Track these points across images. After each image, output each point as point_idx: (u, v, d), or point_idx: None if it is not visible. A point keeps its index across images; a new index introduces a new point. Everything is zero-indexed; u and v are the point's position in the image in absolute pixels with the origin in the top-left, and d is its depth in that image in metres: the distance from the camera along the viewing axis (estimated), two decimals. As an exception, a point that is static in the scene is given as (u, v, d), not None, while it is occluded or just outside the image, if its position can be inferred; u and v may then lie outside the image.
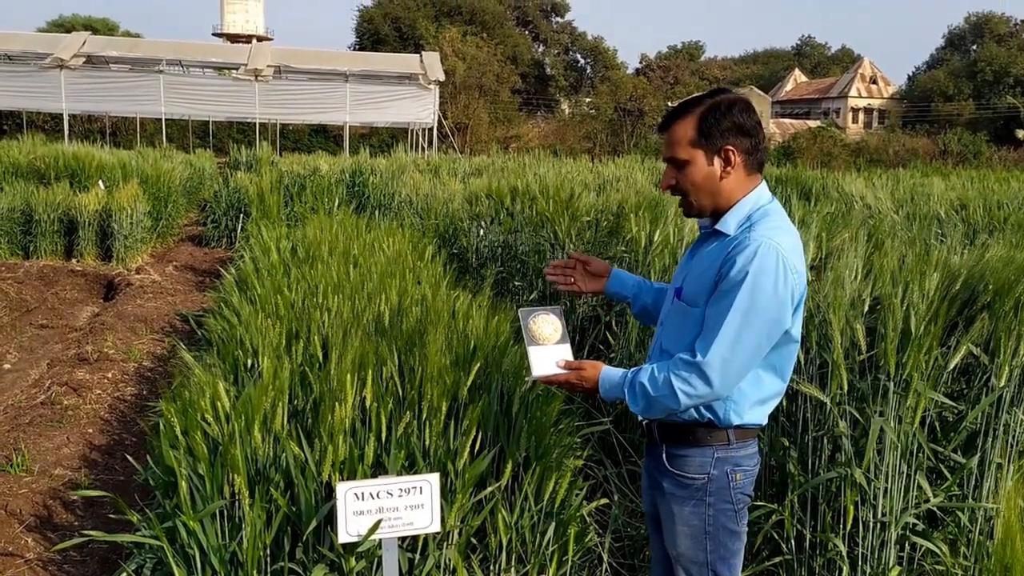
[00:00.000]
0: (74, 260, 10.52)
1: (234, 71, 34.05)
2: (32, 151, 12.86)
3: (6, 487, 4.20)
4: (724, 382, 2.17)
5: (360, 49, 51.30)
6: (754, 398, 2.30)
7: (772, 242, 2.16)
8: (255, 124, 33.27)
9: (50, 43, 32.87)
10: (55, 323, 8.20)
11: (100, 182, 11.59)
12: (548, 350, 2.46)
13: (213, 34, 62.58)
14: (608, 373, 2.34)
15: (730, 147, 2.25)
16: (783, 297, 2.17)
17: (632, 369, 2.32)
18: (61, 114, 31.41)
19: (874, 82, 65.36)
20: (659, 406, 2.24)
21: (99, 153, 13.73)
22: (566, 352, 2.47)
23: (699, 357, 2.16)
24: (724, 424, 2.29)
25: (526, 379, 2.55)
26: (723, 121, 2.24)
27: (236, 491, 2.75)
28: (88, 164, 12.26)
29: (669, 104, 53.54)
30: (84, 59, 31.90)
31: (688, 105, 2.32)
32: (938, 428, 3.38)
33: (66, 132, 30.06)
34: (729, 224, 2.27)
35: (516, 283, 6.59)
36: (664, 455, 2.37)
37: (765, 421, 2.37)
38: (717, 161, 2.27)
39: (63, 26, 48.70)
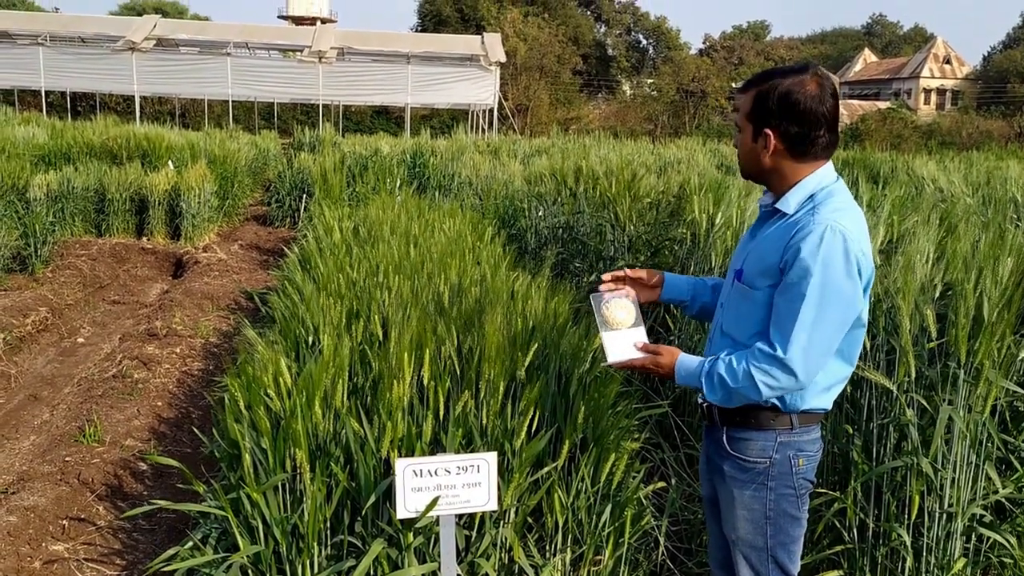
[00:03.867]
0: (145, 238, 10.81)
1: (298, 53, 34.46)
2: (105, 132, 13.22)
3: (79, 457, 4.35)
4: (807, 373, 2.14)
5: (422, 31, 51.46)
6: (821, 384, 2.26)
7: (837, 226, 2.11)
8: (318, 106, 33.66)
9: (122, 26, 33.66)
10: (126, 299, 8.45)
11: (170, 162, 11.87)
12: (623, 335, 2.42)
13: (278, 16, 63.28)
14: (685, 361, 2.31)
15: (769, 131, 2.22)
16: (854, 280, 2.13)
17: (709, 358, 2.28)
18: (133, 96, 32.20)
19: (948, 62, 63.22)
20: (739, 397, 2.22)
21: (169, 134, 14.06)
22: (641, 335, 2.43)
23: (779, 350, 2.13)
24: (789, 409, 2.26)
25: (602, 365, 2.52)
26: (772, 102, 2.21)
27: (298, 465, 2.80)
28: (158, 145, 12.57)
29: (732, 84, 52.60)
30: (155, 42, 32.61)
31: (765, 76, 2.28)
32: (1008, 417, 3.28)
33: (137, 113, 30.81)
34: (790, 203, 2.24)
35: (576, 264, 6.57)
36: (724, 438, 2.35)
37: (830, 406, 2.33)
38: (760, 140, 2.26)
39: (134, 9, 49.89)
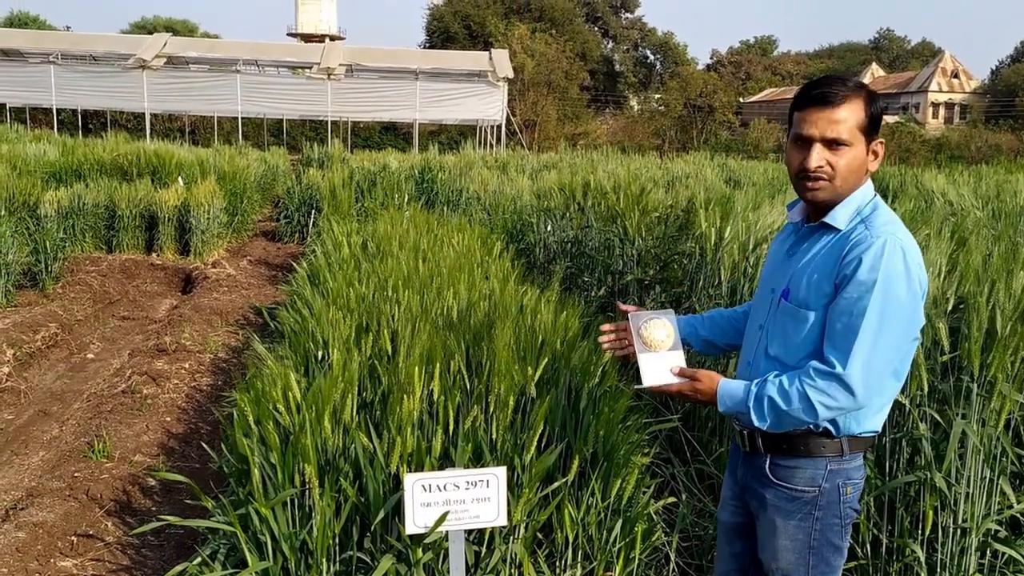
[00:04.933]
0: (154, 254, 10.85)
1: (307, 70, 34.67)
2: (116, 149, 13.30)
3: (88, 472, 4.35)
4: (867, 391, 2.05)
5: (430, 47, 51.74)
6: (876, 404, 2.17)
7: (895, 238, 2.04)
8: (327, 122, 33.83)
9: (133, 44, 33.97)
10: (136, 315, 8.47)
11: (180, 179, 11.93)
12: (660, 357, 2.33)
13: (288, 34, 63.77)
14: (728, 387, 2.21)
15: (881, 140, 2.17)
16: (915, 294, 2.05)
17: (755, 381, 2.17)
18: (143, 113, 32.44)
19: (955, 76, 63.18)
20: (791, 420, 2.11)
21: (179, 151, 14.14)
22: (679, 359, 2.34)
23: (838, 367, 2.04)
24: (841, 433, 2.16)
25: (636, 388, 2.45)
26: (878, 112, 2.13)
27: (307, 480, 2.79)
28: (168, 161, 12.63)
29: (740, 100, 52.63)
30: (165, 60, 32.87)
31: (849, 84, 2.14)
32: (1022, 432, 3.25)
33: (148, 131, 31.03)
34: (839, 218, 2.15)
35: (585, 279, 6.56)
36: (768, 466, 2.24)
37: (880, 428, 2.24)
38: (871, 153, 2.16)
39: (145, 28, 50.33)
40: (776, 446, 2.22)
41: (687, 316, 2.64)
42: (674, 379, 2.29)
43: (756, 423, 2.15)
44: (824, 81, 2.16)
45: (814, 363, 2.09)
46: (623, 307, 2.54)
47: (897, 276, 2.02)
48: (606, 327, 2.54)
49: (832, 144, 2.12)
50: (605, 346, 2.52)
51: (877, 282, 2.01)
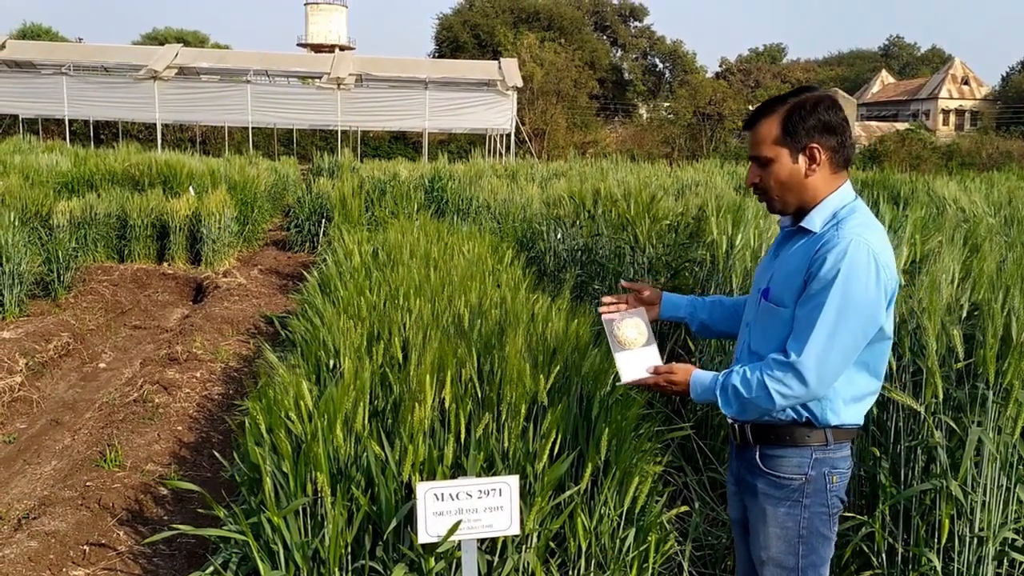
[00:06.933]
0: (165, 264, 10.89)
1: (317, 80, 34.81)
2: (127, 159, 13.37)
3: (100, 482, 4.35)
4: (820, 382, 2.15)
5: (439, 56, 51.88)
6: (848, 396, 2.26)
7: (862, 239, 2.14)
8: (337, 131, 33.95)
9: (144, 55, 34.18)
10: (147, 324, 8.50)
11: (191, 188, 11.97)
12: (635, 354, 2.45)
13: (297, 44, 64.19)
14: (699, 376, 2.33)
15: (815, 145, 2.24)
16: (876, 294, 2.14)
17: (723, 371, 2.30)
18: (155, 124, 32.61)
19: (966, 83, 62.96)
20: (753, 408, 2.22)
21: (190, 161, 14.19)
22: (653, 354, 2.46)
23: (793, 357, 2.15)
24: (822, 424, 2.26)
25: (617, 384, 2.55)
26: (808, 119, 2.23)
27: (319, 489, 2.79)
28: (179, 171, 12.68)
29: (750, 107, 52.61)
30: (176, 70, 33.06)
31: (773, 103, 2.31)
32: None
33: (159, 141, 31.19)
34: (815, 222, 2.26)
35: (595, 286, 6.55)
36: (758, 456, 2.34)
37: (861, 421, 2.32)
38: (802, 159, 2.26)
39: (157, 39, 50.57)
40: (764, 437, 2.33)
41: (691, 296, 2.75)
42: (651, 374, 2.42)
43: (724, 411, 2.29)
44: (757, 107, 2.36)
45: (774, 354, 2.21)
46: (625, 283, 2.75)
47: (858, 275, 2.12)
48: (607, 299, 2.66)
49: (757, 161, 2.32)
50: (606, 318, 2.60)
51: (837, 279, 2.12)
